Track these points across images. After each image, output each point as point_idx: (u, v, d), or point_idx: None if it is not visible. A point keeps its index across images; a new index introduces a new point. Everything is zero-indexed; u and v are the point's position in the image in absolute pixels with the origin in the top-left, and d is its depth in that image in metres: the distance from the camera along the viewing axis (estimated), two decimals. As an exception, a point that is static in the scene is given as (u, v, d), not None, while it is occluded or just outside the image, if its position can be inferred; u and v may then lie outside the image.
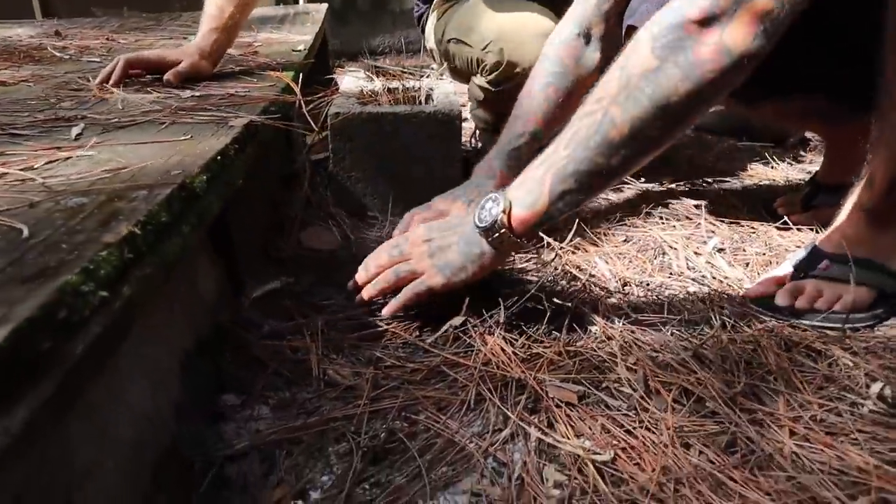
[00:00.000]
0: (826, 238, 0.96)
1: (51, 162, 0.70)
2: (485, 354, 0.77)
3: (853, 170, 0.99)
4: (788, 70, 0.90)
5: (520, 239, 0.80)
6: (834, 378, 0.75)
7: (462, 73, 1.55)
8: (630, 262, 1.06)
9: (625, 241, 1.14)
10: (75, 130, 0.85)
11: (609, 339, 0.82)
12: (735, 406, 0.69)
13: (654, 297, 0.93)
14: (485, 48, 1.37)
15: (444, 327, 0.82)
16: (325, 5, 2.42)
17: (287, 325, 0.84)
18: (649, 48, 0.72)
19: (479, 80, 1.45)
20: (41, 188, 0.60)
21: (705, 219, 1.21)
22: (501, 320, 0.81)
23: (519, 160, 1.05)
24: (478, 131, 1.69)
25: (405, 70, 1.48)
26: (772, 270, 1.00)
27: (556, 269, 1.00)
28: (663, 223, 1.22)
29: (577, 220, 1.11)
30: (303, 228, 1.11)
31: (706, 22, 0.70)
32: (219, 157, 0.72)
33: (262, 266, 0.99)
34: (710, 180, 1.49)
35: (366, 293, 0.88)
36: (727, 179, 1.51)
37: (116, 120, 0.91)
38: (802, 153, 1.74)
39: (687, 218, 1.25)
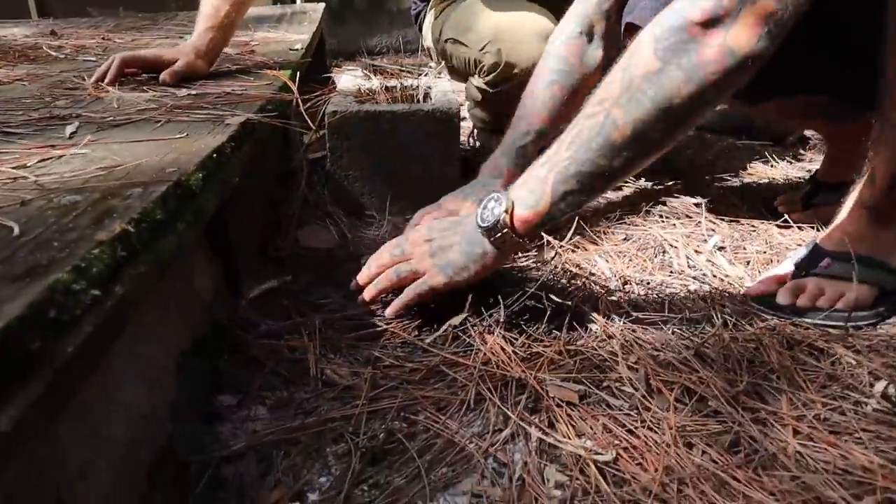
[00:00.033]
0: (827, 236, 0.95)
1: (44, 160, 0.69)
2: (484, 354, 0.76)
3: (854, 168, 0.98)
4: (791, 70, 0.90)
5: (522, 239, 0.80)
6: (837, 377, 0.74)
7: (460, 73, 1.54)
8: (630, 260, 1.05)
9: (625, 239, 1.13)
10: (69, 129, 0.84)
11: (610, 337, 0.81)
12: (738, 405, 0.68)
13: (655, 296, 0.93)
14: (482, 49, 1.36)
15: (444, 327, 0.81)
16: (322, 4, 2.41)
17: (284, 324, 0.83)
18: (651, 50, 0.72)
19: (476, 80, 1.44)
20: (34, 186, 0.59)
21: (705, 217, 1.20)
22: (501, 319, 0.80)
23: (525, 158, 1.06)
24: (476, 130, 1.68)
25: (403, 68, 1.47)
26: (773, 269, 1.00)
27: (555, 267, 0.99)
28: (663, 221, 1.21)
29: (576, 219, 1.11)
30: (300, 227, 1.10)
31: (709, 24, 0.69)
32: (215, 155, 0.71)
33: (259, 265, 0.98)
34: (709, 179, 1.48)
35: (367, 293, 0.87)
36: (727, 178, 1.50)
37: (111, 118, 0.90)
38: (802, 152, 1.73)
39: (687, 216, 1.24)
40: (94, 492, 0.45)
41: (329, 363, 0.76)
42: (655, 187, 1.41)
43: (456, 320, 0.81)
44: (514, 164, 1.07)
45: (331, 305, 0.89)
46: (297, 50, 1.55)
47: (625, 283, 0.97)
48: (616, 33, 1.09)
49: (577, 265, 1.01)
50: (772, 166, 1.60)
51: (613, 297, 0.91)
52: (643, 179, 1.45)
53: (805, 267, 0.94)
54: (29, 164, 0.67)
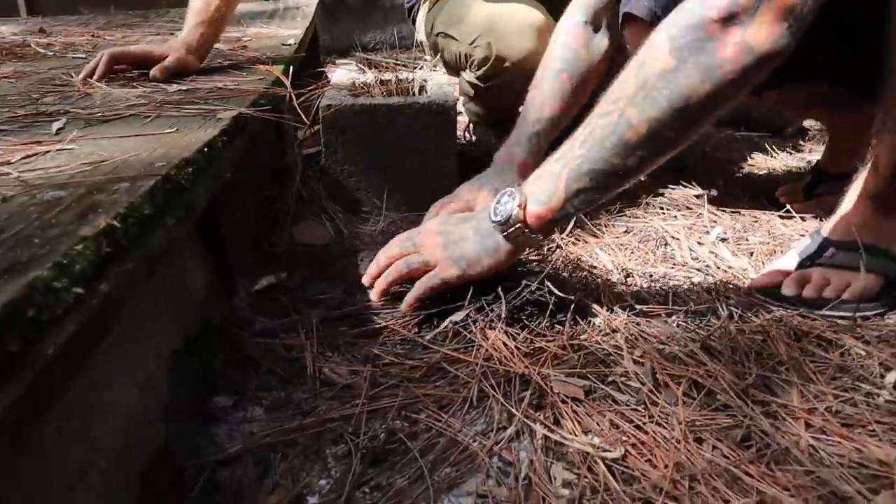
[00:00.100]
0: (830, 225, 0.94)
1: (28, 156, 0.67)
2: (486, 350, 0.74)
3: (856, 157, 0.97)
4: (794, 60, 0.89)
5: (535, 235, 0.79)
6: (847, 368, 0.72)
7: (452, 68, 1.52)
8: (632, 253, 1.03)
9: (626, 231, 1.12)
10: (56, 125, 0.82)
11: (614, 331, 0.79)
12: (747, 398, 0.66)
13: (658, 288, 0.91)
14: (472, 43, 1.34)
15: (444, 323, 0.79)
16: (315, 0, 2.38)
17: (281, 321, 0.81)
18: (667, 48, 0.71)
19: (468, 75, 1.42)
20: (16, 182, 0.56)
21: (707, 208, 1.18)
22: (503, 314, 0.78)
23: (538, 146, 1.07)
24: (471, 125, 1.66)
25: (398, 62, 1.45)
26: (776, 260, 0.98)
27: (557, 261, 0.98)
28: (664, 213, 1.19)
29: (576, 212, 1.09)
30: (295, 223, 1.08)
31: (726, 21, 0.68)
32: (206, 149, 0.68)
33: (254, 261, 0.96)
34: (709, 170, 1.47)
35: (378, 286, 0.86)
36: (727, 169, 1.49)
37: (100, 114, 0.88)
38: (801, 142, 1.72)
39: (687, 208, 1.22)
40: (85, 499, 0.43)
41: (327, 361, 0.74)
42: (655, 179, 1.39)
43: (457, 316, 0.79)
44: (527, 152, 1.08)
45: (328, 302, 0.87)
46: (290, 45, 1.53)
47: (627, 276, 0.95)
48: (620, 23, 1.08)
49: (579, 258, 1.00)
50: (772, 157, 1.59)
51: (616, 291, 0.90)
52: (642, 171, 1.43)
53: (809, 257, 0.93)
54: (13, 161, 0.65)
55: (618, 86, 0.74)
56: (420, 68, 1.43)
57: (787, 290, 0.88)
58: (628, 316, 0.82)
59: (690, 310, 0.83)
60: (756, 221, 1.17)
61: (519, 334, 0.77)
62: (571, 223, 1.07)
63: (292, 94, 1.08)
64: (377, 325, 0.81)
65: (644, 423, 0.63)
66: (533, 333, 0.78)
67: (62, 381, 0.37)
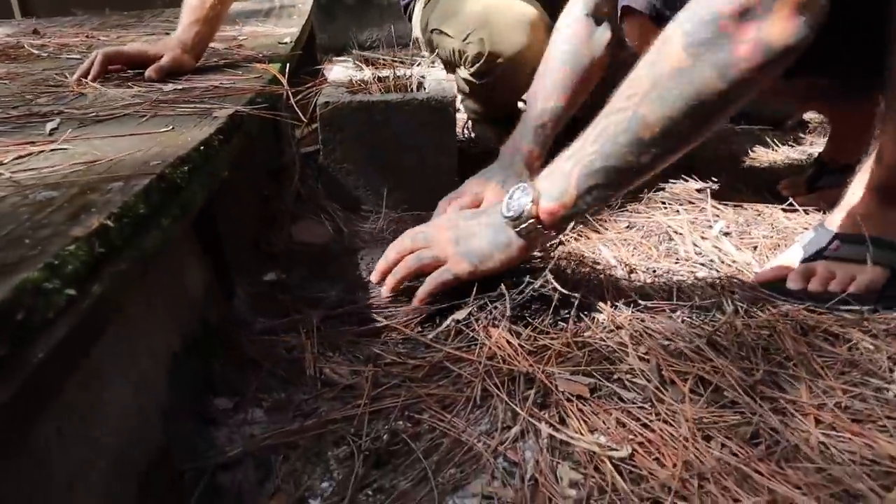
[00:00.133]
0: (834, 218, 0.93)
1: (21, 157, 0.66)
2: (489, 348, 0.73)
3: (858, 149, 0.96)
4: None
5: (548, 231, 0.79)
6: (855, 362, 0.71)
7: (447, 64, 1.51)
8: (635, 248, 1.02)
9: (628, 227, 1.10)
10: (50, 125, 0.80)
11: (618, 328, 0.78)
12: (755, 395, 0.65)
13: (662, 284, 0.90)
14: (465, 39, 1.33)
15: (447, 321, 0.78)
16: (310, -2, 2.37)
17: (281, 321, 0.80)
18: (681, 45, 0.69)
19: (462, 72, 1.40)
20: (8, 183, 0.55)
21: (709, 203, 1.17)
22: (507, 312, 0.77)
23: (545, 136, 1.08)
24: (470, 122, 1.65)
25: (395, 59, 1.44)
26: (781, 254, 0.97)
27: (559, 257, 0.96)
28: (666, 208, 1.18)
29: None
30: (294, 222, 1.07)
31: (741, 16, 0.67)
32: (202, 147, 0.67)
33: (252, 261, 0.94)
34: (711, 164, 1.46)
35: (388, 283, 0.85)
36: (728, 163, 1.48)
37: (94, 114, 0.86)
38: (802, 135, 1.71)
39: (689, 202, 1.21)
40: (84, 502, 0.42)
41: (328, 362, 0.73)
42: (656, 174, 1.38)
43: (459, 315, 0.78)
44: (534, 142, 1.08)
45: (328, 301, 0.86)
46: (286, 43, 1.51)
47: (630, 272, 0.94)
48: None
49: (581, 254, 0.98)
50: (773, 150, 1.58)
51: (620, 287, 0.89)
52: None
53: (814, 251, 0.92)
54: (5, 162, 0.64)
55: (630, 82, 0.73)
56: (418, 65, 1.41)
57: (792, 284, 0.87)
58: (632, 312, 0.81)
59: (695, 305, 0.82)
60: (759, 215, 1.16)
61: (522, 332, 0.76)
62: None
63: (289, 92, 1.06)
64: (378, 325, 0.80)
65: (651, 421, 0.62)
66: (536, 331, 0.77)
67: (54, 385, 0.36)
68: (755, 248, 1.03)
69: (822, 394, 0.66)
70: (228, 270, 0.81)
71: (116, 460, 0.48)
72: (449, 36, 1.37)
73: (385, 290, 0.85)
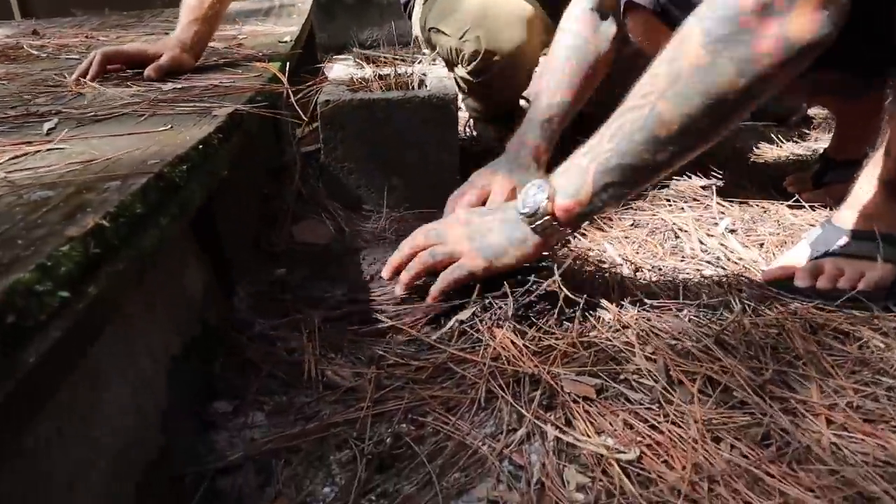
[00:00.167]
0: (842, 214, 0.92)
1: (17, 157, 0.65)
2: (494, 349, 0.72)
3: (864, 144, 0.95)
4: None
5: (563, 228, 0.78)
6: (866, 361, 0.70)
7: (446, 63, 1.49)
8: (640, 246, 1.01)
9: (633, 225, 1.09)
10: (47, 125, 0.79)
11: (624, 327, 0.77)
12: (765, 395, 0.64)
13: (668, 282, 0.89)
14: (462, 37, 1.32)
15: (451, 322, 0.77)
16: (310, -3, 2.36)
17: (281, 322, 0.79)
18: (700, 42, 0.68)
19: (460, 71, 1.39)
20: (3, 183, 0.54)
21: (715, 200, 1.16)
22: (510, 312, 0.76)
23: (552, 130, 1.07)
24: (472, 121, 1.64)
25: (396, 56, 1.42)
26: (788, 251, 0.96)
27: (563, 256, 0.95)
28: (670, 205, 1.17)
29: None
30: (295, 222, 1.06)
31: (763, 12, 0.65)
32: (201, 146, 0.66)
33: (252, 261, 0.93)
34: (715, 161, 1.44)
35: (402, 280, 0.84)
36: (732, 159, 1.46)
37: (92, 114, 0.85)
38: (806, 131, 1.70)
39: (694, 199, 1.20)
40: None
41: (330, 364, 0.72)
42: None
43: (463, 315, 0.77)
44: (540, 137, 1.07)
45: (329, 302, 0.85)
46: (286, 42, 1.50)
47: (636, 270, 0.93)
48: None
49: (586, 253, 0.97)
50: (777, 146, 1.56)
51: (625, 285, 0.87)
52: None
53: (822, 247, 0.91)
54: (1, 162, 0.63)
55: (648, 79, 0.72)
56: (419, 62, 1.40)
57: (800, 281, 0.86)
58: (638, 311, 0.80)
59: (702, 303, 0.81)
60: (765, 212, 1.14)
61: (527, 332, 0.75)
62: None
63: (289, 91, 1.05)
64: (381, 325, 0.79)
65: (659, 423, 0.61)
66: (541, 331, 0.76)
67: (51, 387, 0.35)
68: (761, 245, 1.02)
69: (833, 393, 0.65)
70: (229, 270, 0.80)
71: (115, 461, 0.47)
72: (446, 34, 1.36)
73: (399, 288, 0.84)
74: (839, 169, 1.20)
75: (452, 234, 0.83)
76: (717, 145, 1.58)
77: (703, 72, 0.68)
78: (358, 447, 0.59)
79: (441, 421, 0.62)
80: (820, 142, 1.60)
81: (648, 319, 0.78)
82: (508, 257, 0.79)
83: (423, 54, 1.49)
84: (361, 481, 0.55)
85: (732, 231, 1.06)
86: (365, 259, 0.96)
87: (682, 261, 0.96)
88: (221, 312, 0.77)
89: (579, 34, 1.09)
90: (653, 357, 0.71)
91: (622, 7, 1.00)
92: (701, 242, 1.02)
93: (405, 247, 0.86)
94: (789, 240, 1.03)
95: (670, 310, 0.80)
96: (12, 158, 0.64)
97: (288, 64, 1.21)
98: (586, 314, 0.79)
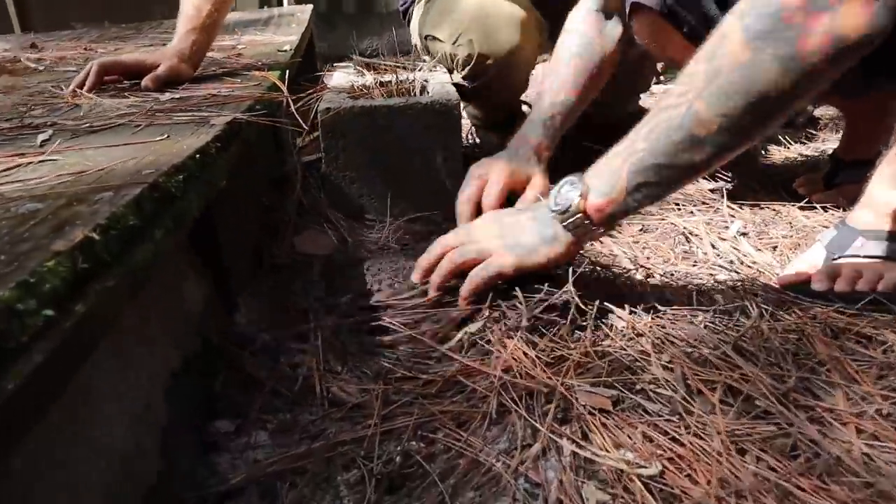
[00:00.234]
0: (855, 215, 0.89)
1: (9, 169, 0.62)
2: (505, 360, 0.69)
3: (874, 143, 0.93)
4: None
5: (595, 227, 0.76)
6: (892, 366, 0.67)
7: (448, 70, 1.48)
8: (651, 251, 0.98)
9: (642, 230, 1.07)
10: (41, 137, 0.77)
11: (638, 335, 0.74)
12: (789, 403, 0.61)
13: (682, 288, 0.86)
14: (455, 42, 1.30)
15: (459, 334, 0.74)
16: (309, 7, 2.35)
17: (284, 334, 0.76)
18: (741, 39, 0.65)
19: (455, 77, 1.38)
20: (-8, 196, 0.52)
21: (725, 203, 1.14)
22: (523, 322, 0.73)
23: (555, 129, 1.06)
24: (473, 128, 1.63)
25: (397, 63, 1.41)
26: (802, 254, 0.94)
27: (573, 262, 0.93)
28: (679, 209, 1.15)
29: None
30: (297, 233, 1.03)
31: (809, 7, 0.62)
32: (198, 156, 0.64)
33: (254, 273, 0.91)
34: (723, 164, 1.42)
35: (433, 283, 0.81)
36: (741, 161, 1.44)
37: (88, 125, 0.83)
38: (813, 132, 1.68)
39: (703, 203, 1.18)
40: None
41: (335, 379, 0.69)
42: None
43: (473, 327, 0.74)
44: (542, 135, 1.05)
45: (334, 314, 0.82)
46: (285, 51, 1.49)
47: (648, 276, 0.90)
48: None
49: (596, 258, 0.95)
50: (785, 148, 1.54)
51: (638, 292, 0.85)
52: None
53: (837, 249, 0.88)
54: (-9, 174, 0.61)
55: (685, 78, 0.70)
56: (420, 69, 1.38)
57: (818, 284, 0.83)
58: (652, 318, 0.77)
59: (718, 309, 0.78)
60: (776, 214, 1.12)
61: (538, 342, 0.72)
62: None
63: (289, 99, 1.03)
64: (387, 337, 0.76)
65: (680, 435, 0.58)
66: (553, 341, 0.73)
67: (31, 417, 0.33)
68: (775, 248, 0.99)
69: (860, 401, 0.62)
70: (229, 283, 0.78)
71: (111, 486, 0.44)
72: (440, 41, 1.35)
73: (431, 290, 0.82)
74: (849, 169, 1.18)
75: (482, 232, 0.81)
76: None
77: (744, 70, 0.65)
78: (366, 467, 0.56)
79: (452, 437, 0.60)
80: (828, 143, 1.58)
81: (663, 327, 0.75)
82: (539, 256, 0.77)
83: (424, 61, 1.47)
84: (371, 503, 0.52)
85: (744, 234, 1.04)
86: (368, 270, 0.94)
87: (694, 265, 0.93)
88: (222, 327, 0.74)
89: (585, 34, 1.07)
90: (669, 366, 0.68)
91: (628, 8, 0.98)
92: (713, 246, 0.99)
93: (436, 247, 0.84)
94: (803, 242, 1.00)
95: (685, 316, 0.78)
96: (3, 171, 0.62)
97: (287, 72, 1.19)
98: (599, 322, 0.76)
